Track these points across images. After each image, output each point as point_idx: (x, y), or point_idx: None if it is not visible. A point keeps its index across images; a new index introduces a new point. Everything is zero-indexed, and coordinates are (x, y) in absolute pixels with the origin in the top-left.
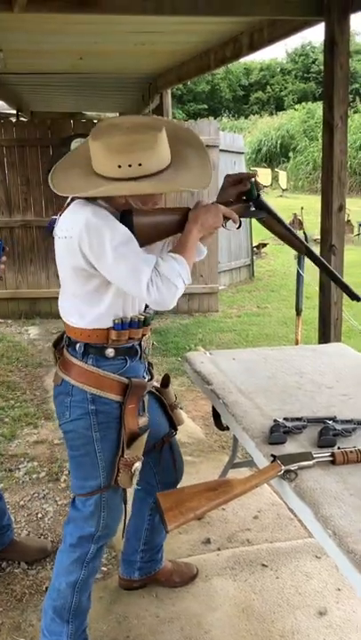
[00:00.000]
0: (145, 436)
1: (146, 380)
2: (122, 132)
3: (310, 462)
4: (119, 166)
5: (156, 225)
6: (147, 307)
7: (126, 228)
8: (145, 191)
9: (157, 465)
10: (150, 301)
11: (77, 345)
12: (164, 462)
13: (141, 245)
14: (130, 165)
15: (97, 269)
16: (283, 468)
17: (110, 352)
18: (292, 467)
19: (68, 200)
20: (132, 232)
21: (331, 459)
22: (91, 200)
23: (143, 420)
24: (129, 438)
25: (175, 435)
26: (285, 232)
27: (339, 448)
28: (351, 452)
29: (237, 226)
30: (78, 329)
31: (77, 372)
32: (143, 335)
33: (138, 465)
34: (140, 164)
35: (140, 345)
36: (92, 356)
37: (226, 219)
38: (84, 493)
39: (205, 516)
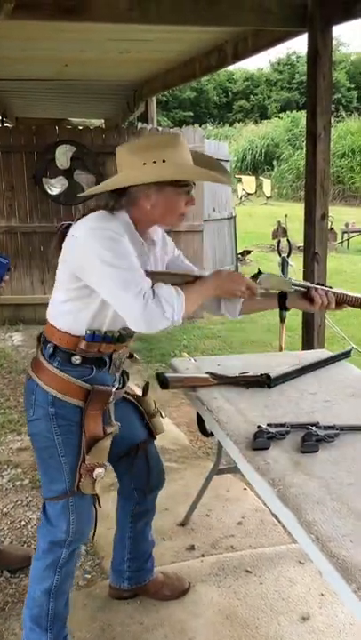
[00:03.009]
0: (107, 443)
1: (114, 387)
2: (144, 138)
3: None
4: (144, 164)
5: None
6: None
7: (129, 246)
8: (171, 177)
9: (130, 471)
10: (134, 316)
11: (48, 345)
12: (136, 468)
13: None
14: (154, 162)
15: (82, 277)
16: None
17: (76, 359)
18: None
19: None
20: None
21: None
22: (114, 213)
23: (114, 429)
24: (89, 444)
25: (152, 442)
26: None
27: None
28: None
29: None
30: (53, 327)
31: (43, 371)
32: (115, 351)
33: (100, 471)
34: (164, 160)
35: (110, 357)
36: (59, 359)
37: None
38: (52, 497)
39: (189, 522)
